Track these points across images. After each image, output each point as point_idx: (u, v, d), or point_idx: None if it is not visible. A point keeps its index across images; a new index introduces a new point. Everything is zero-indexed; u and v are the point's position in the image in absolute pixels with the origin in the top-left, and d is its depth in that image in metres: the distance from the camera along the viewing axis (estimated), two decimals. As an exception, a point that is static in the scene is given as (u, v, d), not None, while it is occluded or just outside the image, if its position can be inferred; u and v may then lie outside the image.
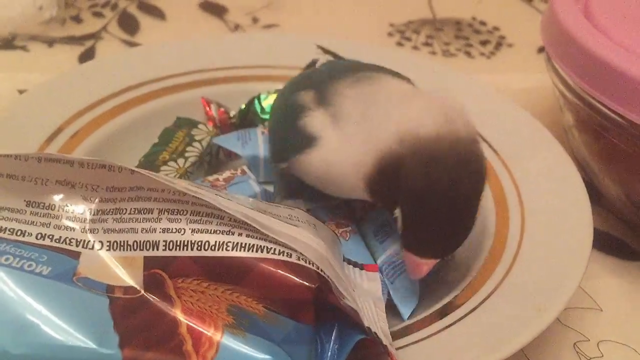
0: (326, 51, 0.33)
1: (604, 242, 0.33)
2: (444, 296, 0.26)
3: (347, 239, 0.28)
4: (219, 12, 0.51)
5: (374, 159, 0.23)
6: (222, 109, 0.36)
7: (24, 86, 0.40)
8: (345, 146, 0.24)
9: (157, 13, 0.50)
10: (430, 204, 0.22)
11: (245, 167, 0.31)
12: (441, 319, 0.24)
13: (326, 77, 0.26)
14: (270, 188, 0.32)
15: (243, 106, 0.35)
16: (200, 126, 0.34)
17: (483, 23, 0.52)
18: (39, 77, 0.41)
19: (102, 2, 0.51)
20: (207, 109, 0.36)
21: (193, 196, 0.21)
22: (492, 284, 0.26)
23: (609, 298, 0.30)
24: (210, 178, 0.30)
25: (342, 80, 0.25)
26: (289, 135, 0.26)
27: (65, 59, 0.44)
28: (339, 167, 0.24)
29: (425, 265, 0.24)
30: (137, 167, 0.31)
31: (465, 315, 0.24)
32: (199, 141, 0.33)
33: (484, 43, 0.49)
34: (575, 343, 0.28)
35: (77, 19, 0.49)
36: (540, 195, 0.30)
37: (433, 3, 0.55)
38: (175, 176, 0.31)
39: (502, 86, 0.44)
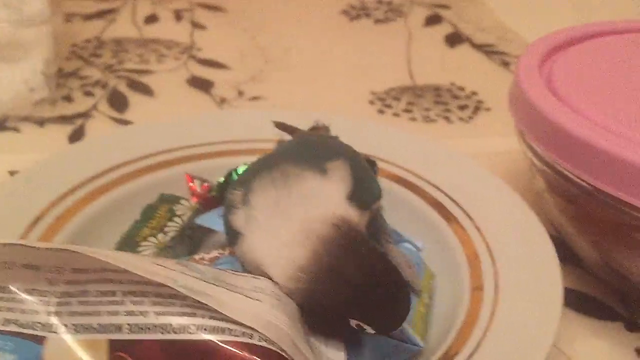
0: (282, 127, 0.34)
1: (584, 304, 0.33)
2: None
3: None
4: (205, 86, 0.53)
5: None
6: (205, 184, 0.37)
7: (15, 167, 0.41)
8: (254, 244, 0.25)
9: (145, 90, 0.52)
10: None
11: None
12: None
13: (254, 174, 0.27)
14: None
15: (221, 179, 0.36)
16: (182, 201, 0.35)
17: (461, 88, 0.53)
18: (29, 157, 0.42)
19: (93, 82, 0.53)
20: (191, 184, 0.36)
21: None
22: (466, 353, 0.26)
23: (588, 359, 0.30)
24: (197, 257, 0.31)
25: (261, 180, 0.26)
26: (226, 228, 0.27)
27: (55, 139, 0.45)
28: (250, 262, 0.26)
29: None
30: (118, 243, 0.32)
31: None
32: (180, 216, 0.34)
33: (462, 108, 0.51)
34: (555, 410, 0.27)
35: (68, 99, 0.50)
36: (512, 259, 0.30)
37: (413, 70, 0.56)
38: (154, 252, 0.32)
39: (480, 150, 0.44)
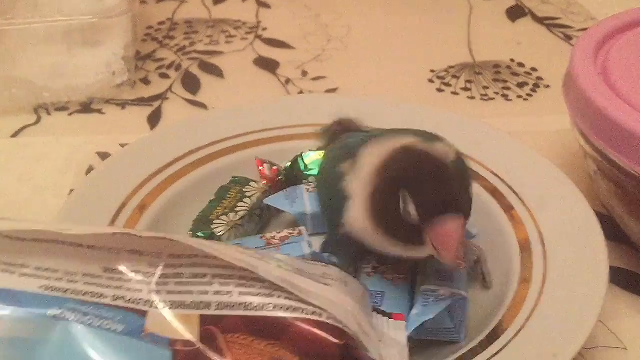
0: (343, 124, 0.37)
1: (630, 281, 0.34)
2: (469, 341, 0.28)
3: (396, 284, 0.31)
4: (271, 67, 0.55)
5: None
6: (274, 168, 0.40)
7: (102, 148, 0.46)
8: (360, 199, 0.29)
9: (216, 72, 0.55)
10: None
11: (302, 229, 0.34)
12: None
13: (359, 144, 0.31)
14: (318, 240, 0.35)
15: (288, 164, 0.39)
16: (252, 183, 0.38)
17: (521, 65, 0.54)
18: (114, 138, 0.46)
19: (168, 64, 0.56)
20: (261, 168, 0.40)
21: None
22: (514, 329, 0.29)
23: (634, 336, 0.32)
24: (268, 235, 0.34)
25: (368, 145, 0.30)
26: (336, 200, 0.31)
27: (136, 120, 0.49)
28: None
29: (454, 229, 0.27)
30: (194, 221, 0.36)
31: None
32: (249, 197, 0.37)
33: (521, 85, 0.52)
34: (600, 382, 0.30)
35: (145, 81, 0.54)
36: (561, 241, 0.32)
37: (473, 47, 0.57)
38: (226, 229, 0.35)
39: (537, 128, 0.46)
